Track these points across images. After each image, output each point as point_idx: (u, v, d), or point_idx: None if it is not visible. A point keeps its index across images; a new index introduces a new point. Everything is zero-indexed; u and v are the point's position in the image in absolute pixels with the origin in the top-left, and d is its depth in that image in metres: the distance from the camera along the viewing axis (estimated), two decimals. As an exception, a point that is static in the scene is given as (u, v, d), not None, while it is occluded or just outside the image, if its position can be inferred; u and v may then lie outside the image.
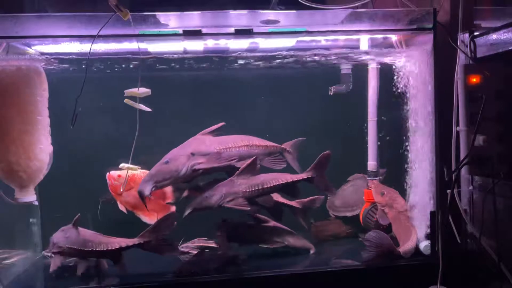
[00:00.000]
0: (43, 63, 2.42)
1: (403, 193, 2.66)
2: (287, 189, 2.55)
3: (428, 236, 2.43)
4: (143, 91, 2.36)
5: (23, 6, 2.36)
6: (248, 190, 2.43)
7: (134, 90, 2.35)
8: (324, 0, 2.36)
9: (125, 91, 2.37)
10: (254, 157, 2.47)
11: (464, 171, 2.24)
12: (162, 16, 2.19)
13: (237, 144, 2.51)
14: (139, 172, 2.56)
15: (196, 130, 2.55)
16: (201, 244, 2.69)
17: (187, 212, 2.38)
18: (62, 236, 2.38)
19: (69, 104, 2.19)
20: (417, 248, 2.44)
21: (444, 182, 2.30)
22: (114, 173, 2.55)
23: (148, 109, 2.40)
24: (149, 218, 2.60)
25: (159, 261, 2.47)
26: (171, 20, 2.24)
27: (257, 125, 2.97)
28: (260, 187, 2.45)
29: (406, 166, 2.69)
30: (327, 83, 2.93)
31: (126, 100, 2.38)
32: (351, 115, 3.02)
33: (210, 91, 2.97)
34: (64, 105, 2.29)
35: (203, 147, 2.44)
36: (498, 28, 2.15)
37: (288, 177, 2.53)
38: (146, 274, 2.37)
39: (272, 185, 2.47)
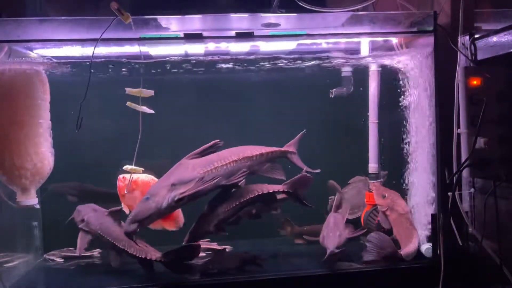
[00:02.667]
0: (45, 67, 2.43)
1: (404, 195, 2.67)
2: (265, 200, 2.47)
3: (429, 239, 2.43)
4: (146, 92, 2.37)
5: (25, 10, 2.37)
6: (228, 209, 2.37)
7: (136, 90, 2.36)
8: (325, 3, 2.36)
9: (126, 89, 2.38)
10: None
11: (465, 173, 2.24)
12: (163, 20, 2.20)
13: (224, 161, 2.37)
14: (144, 176, 2.56)
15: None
16: (204, 246, 2.69)
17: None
18: (96, 219, 2.42)
19: (71, 106, 2.20)
20: (418, 250, 2.44)
21: (445, 185, 2.30)
22: (124, 175, 2.56)
23: (151, 111, 2.41)
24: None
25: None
26: (172, 24, 2.25)
27: (257, 129, 2.99)
28: (238, 202, 2.37)
29: (407, 168, 2.69)
30: (328, 86, 2.94)
31: (128, 103, 2.39)
32: (352, 117, 3.02)
33: (213, 94, 2.98)
34: (65, 108, 2.30)
35: (186, 174, 2.31)
36: (498, 31, 2.15)
37: (264, 188, 2.44)
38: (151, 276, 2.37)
39: (249, 197, 2.39)
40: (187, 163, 2.38)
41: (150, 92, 2.40)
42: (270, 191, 2.45)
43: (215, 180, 2.30)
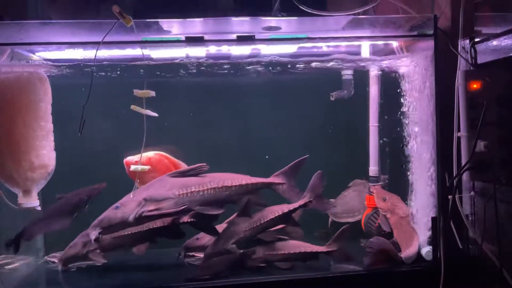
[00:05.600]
0: (46, 69, 2.44)
1: (404, 198, 2.67)
2: (286, 219, 2.48)
3: (429, 242, 2.43)
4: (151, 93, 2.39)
5: (27, 13, 2.38)
6: (248, 229, 2.41)
7: (143, 91, 2.38)
8: (325, 6, 2.37)
9: (134, 90, 2.39)
10: (247, 199, 2.42)
11: (465, 176, 2.24)
12: (165, 23, 2.21)
13: (202, 187, 2.35)
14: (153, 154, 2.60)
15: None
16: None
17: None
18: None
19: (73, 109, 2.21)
20: (419, 253, 2.44)
21: (445, 188, 2.31)
22: (131, 158, 2.55)
23: (155, 114, 2.42)
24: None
25: (165, 265, 2.50)
26: (174, 27, 2.26)
27: (257, 131, 3.00)
28: (258, 223, 2.41)
29: (407, 171, 2.70)
30: (328, 89, 2.94)
31: (132, 107, 2.40)
32: (353, 121, 3.02)
33: (212, 96, 2.99)
34: (66, 110, 2.31)
35: (161, 191, 2.31)
36: (498, 35, 2.16)
37: (284, 207, 2.46)
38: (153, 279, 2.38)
39: (269, 218, 2.42)
40: (166, 181, 2.38)
41: (152, 93, 2.41)
42: (291, 208, 2.46)
43: (183, 207, 2.30)
